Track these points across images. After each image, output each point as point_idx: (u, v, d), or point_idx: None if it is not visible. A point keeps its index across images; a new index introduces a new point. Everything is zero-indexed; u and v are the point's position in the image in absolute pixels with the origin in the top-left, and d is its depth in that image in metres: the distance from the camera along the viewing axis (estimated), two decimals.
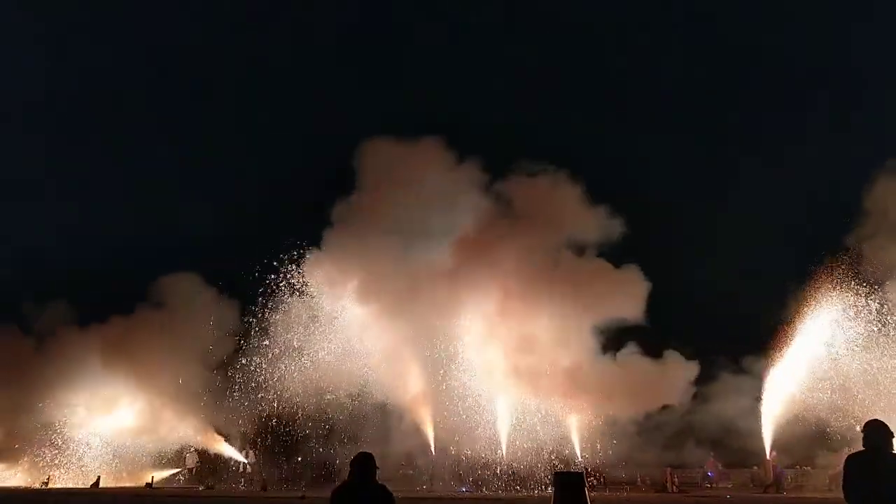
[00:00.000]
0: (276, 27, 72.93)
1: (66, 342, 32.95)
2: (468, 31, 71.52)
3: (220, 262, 36.75)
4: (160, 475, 31.60)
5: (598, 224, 32.13)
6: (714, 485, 29.66)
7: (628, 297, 30.59)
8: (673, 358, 30.89)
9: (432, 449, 29.84)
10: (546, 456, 28.98)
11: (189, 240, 52.73)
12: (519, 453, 29.13)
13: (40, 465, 31.04)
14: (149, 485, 29.60)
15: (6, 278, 44.65)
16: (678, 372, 30.54)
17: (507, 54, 70.73)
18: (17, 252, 52.07)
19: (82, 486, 28.98)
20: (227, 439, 32.68)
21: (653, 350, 31.00)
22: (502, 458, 29.03)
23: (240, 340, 32.17)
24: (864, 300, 28.74)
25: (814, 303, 29.37)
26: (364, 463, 5.21)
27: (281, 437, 32.32)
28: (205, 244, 49.21)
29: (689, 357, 30.65)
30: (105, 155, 68.00)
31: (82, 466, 31.29)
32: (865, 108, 56.70)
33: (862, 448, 5.50)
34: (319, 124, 67.16)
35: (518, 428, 29.45)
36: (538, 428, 29.39)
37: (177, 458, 32.88)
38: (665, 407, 30.85)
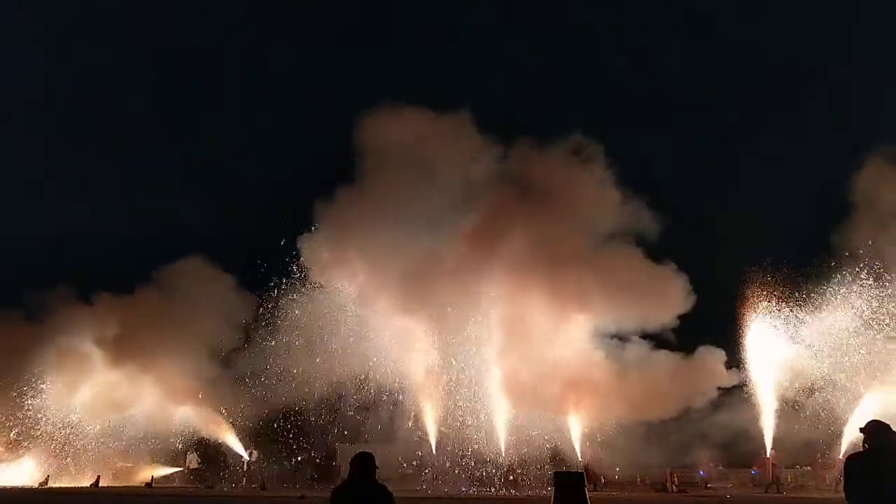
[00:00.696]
0: (276, 27, 73.06)
1: (66, 322, 32.79)
2: (468, 31, 71.62)
3: (220, 261, 36.74)
4: (161, 472, 31.53)
5: (628, 214, 30.11)
6: (707, 484, 29.66)
7: (666, 300, 28.97)
8: (705, 360, 30.15)
9: (433, 448, 29.79)
10: (548, 455, 28.95)
11: (189, 239, 52.91)
12: (525, 452, 29.13)
13: (44, 457, 30.93)
14: (149, 484, 29.56)
15: (5, 277, 44.56)
16: (712, 376, 29.83)
17: (507, 54, 70.83)
18: (15, 252, 52.04)
19: (82, 486, 28.91)
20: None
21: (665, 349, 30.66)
22: (503, 457, 29.01)
23: (245, 333, 32.28)
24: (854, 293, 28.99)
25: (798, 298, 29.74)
26: (364, 462, 5.19)
27: (284, 432, 32.34)
28: (205, 243, 49.23)
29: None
30: (105, 155, 68.16)
31: (85, 457, 31.10)
32: (865, 108, 56.69)
33: (863, 448, 5.49)
34: (319, 124, 67.25)
35: (522, 428, 29.23)
36: (539, 428, 29.27)
37: (178, 456, 32.77)
38: (680, 416, 30.40)
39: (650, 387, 28.76)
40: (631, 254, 30.32)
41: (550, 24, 72.29)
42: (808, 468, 30.02)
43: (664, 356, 30.28)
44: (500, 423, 29.21)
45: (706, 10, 69.15)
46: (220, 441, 32.43)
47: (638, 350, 30.58)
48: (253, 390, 31.31)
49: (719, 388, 30.24)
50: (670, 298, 29.45)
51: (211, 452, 33.22)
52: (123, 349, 31.32)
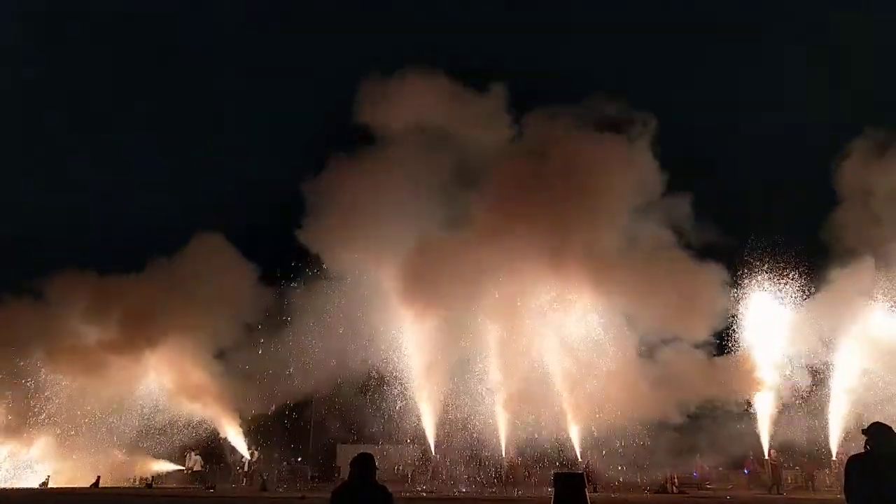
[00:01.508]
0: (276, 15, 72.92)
1: (68, 307, 31.64)
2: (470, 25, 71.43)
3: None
4: (163, 466, 31.39)
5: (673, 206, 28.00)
6: (706, 485, 29.66)
7: (707, 312, 27.27)
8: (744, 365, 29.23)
9: (433, 448, 29.74)
10: (548, 456, 28.88)
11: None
12: (526, 452, 29.02)
13: (46, 454, 30.60)
14: (149, 485, 29.54)
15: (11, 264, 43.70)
16: (752, 385, 28.92)
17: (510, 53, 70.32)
18: (15, 253, 51.89)
19: (82, 487, 28.85)
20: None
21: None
22: (503, 457, 28.97)
23: (246, 327, 32.01)
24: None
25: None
26: (364, 464, 5.22)
27: (284, 432, 32.17)
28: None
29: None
30: (105, 154, 68.15)
31: (85, 453, 30.62)
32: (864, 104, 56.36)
33: (864, 450, 5.53)
34: (320, 111, 67.06)
35: (523, 428, 28.98)
36: (540, 429, 29.12)
37: (177, 453, 32.53)
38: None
39: (673, 389, 27.88)
40: (672, 255, 28.43)
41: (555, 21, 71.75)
42: (797, 468, 30.02)
43: (688, 356, 29.18)
44: (501, 424, 29.12)
45: (706, 10, 69.30)
46: (223, 440, 32.12)
47: (661, 351, 29.44)
48: (252, 384, 30.98)
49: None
50: (711, 312, 27.81)
51: (211, 452, 33.10)
52: (128, 337, 30.47)
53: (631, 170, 28.97)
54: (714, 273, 28.95)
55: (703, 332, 28.56)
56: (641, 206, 29.32)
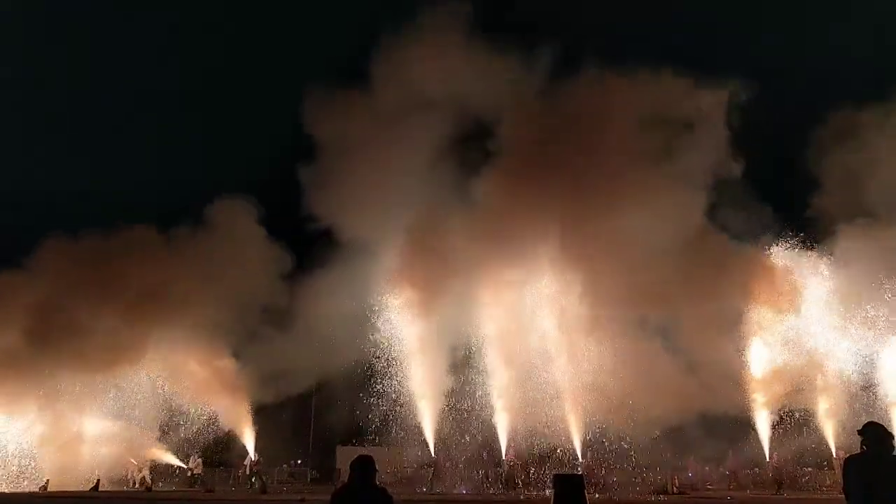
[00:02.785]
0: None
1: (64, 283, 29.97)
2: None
3: None
4: (166, 457, 31.31)
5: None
6: (701, 486, 29.70)
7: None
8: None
9: (433, 450, 29.71)
10: (548, 457, 28.88)
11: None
12: (526, 453, 28.99)
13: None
14: (148, 489, 29.53)
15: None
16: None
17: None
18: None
19: (82, 490, 28.84)
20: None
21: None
22: (503, 458, 28.96)
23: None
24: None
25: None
26: (364, 466, 5.27)
27: (284, 432, 32.09)
28: None
29: None
30: (104, 152, 68.29)
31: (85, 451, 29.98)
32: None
33: (861, 450, 5.62)
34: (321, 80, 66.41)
35: (524, 429, 28.86)
36: (541, 430, 29.07)
37: (180, 450, 32.36)
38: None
39: (677, 391, 27.37)
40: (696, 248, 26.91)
41: None
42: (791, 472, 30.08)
43: (698, 359, 28.79)
44: (502, 425, 29.07)
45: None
46: (225, 439, 31.83)
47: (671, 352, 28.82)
48: (252, 379, 30.66)
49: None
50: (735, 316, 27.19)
51: (212, 454, 33.03)
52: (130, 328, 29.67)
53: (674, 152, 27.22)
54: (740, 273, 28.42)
55: (724, 338, 28.62)
56: (675, 188, 27.38)
